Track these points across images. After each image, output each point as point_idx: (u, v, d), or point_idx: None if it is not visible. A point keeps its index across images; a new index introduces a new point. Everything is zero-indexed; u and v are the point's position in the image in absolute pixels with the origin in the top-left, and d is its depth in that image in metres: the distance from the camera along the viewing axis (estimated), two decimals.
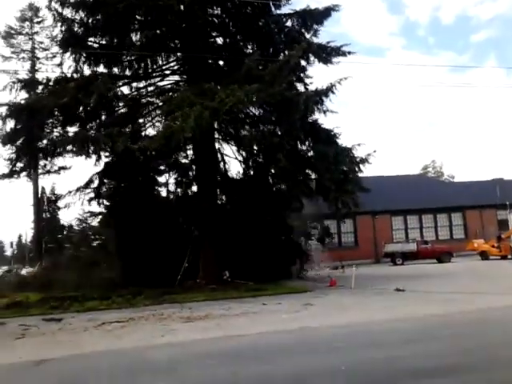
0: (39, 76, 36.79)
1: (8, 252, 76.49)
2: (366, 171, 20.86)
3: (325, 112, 20.17)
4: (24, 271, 32.08)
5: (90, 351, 9.23)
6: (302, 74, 21.56)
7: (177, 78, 22.99)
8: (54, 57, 37.79)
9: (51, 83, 20.03)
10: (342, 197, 20.19)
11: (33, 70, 37.02)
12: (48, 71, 38.15)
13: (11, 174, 24.19)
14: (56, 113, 19.00)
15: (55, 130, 20.14)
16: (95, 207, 29.79)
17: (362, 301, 14.64)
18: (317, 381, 6.00)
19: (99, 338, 10.83)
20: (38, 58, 38.02)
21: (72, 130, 19.80)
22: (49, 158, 22.45)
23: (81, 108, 18.47)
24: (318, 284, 20.01)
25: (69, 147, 19.51)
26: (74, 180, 66.70)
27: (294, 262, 23.50)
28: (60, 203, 56.64)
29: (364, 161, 20.15)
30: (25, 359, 8.71)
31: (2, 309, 16.68)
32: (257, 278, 20.40)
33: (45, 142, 20.06)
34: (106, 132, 17.66)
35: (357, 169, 20.40)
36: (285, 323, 11.04)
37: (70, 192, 22.51)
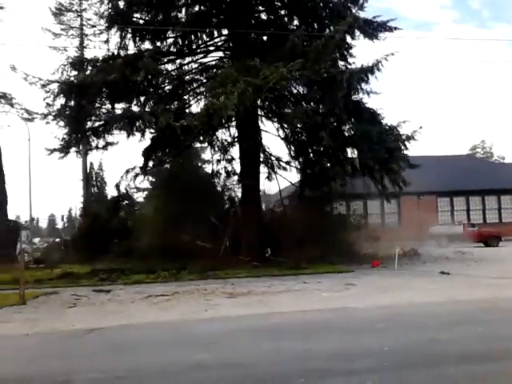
0: (87, 53, 37.81)
1: (59, 225, 79.54)
2: (412, 150, 20.50)
3: (368, 93, 19.84)
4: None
5: (138, 322, 9.59)
6: (345, 52, 21.12)
7: (221, 54, 22.99)
8: (101, 33, 38.43)
9: (99, 61, 20.39)
10: (386, 175, 19.85)
11: (81, 46, 37.77)
12: (95, 48, 38.85)
13: (61, 149, 25.01)
14: (104, 90, 19.38)
15: (103, 107, 20.58)
16: (140, 183, 30.57)
17: (405, 282, 14.47)
18: (361, 361, 6.03)
19: (146, 309, 11.22)
20: (86, 35, 38.69)
21: (119, 106, 20.22)
22: (97, 135, 22.96)
23: (128, 85, 18.69)
24: (360, 264, 19.89)
25: (116, 125, 19.97)
26: (119, 155, 68.50)
27: (334, 241, 23.36)
28: (107, 178, 58.26)
29: (410, 138, 19.73)
30: (77, 327, 9.16)
31: (56, 279, 17.53)
32: (298, 257, 20.48)
33: (93, 119, 20.55)
34: (150, 109, 17.90)
35: (402, 147, 19.99)
36: (326, 302, 11.10)
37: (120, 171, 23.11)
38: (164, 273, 17.22)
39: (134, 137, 21.54)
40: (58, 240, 28.41)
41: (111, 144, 33.57)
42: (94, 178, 48.86)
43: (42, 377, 5.95)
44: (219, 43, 22.51)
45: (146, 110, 18.19)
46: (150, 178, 37.17)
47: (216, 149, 22.73)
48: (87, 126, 21.66)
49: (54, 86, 21.09)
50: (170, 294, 13.26)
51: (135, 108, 20.40)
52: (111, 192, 56.63)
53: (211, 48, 22.60)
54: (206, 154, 26.26)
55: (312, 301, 11.40)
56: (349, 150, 19.88)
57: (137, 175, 25.81)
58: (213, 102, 15.85)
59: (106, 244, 25.37)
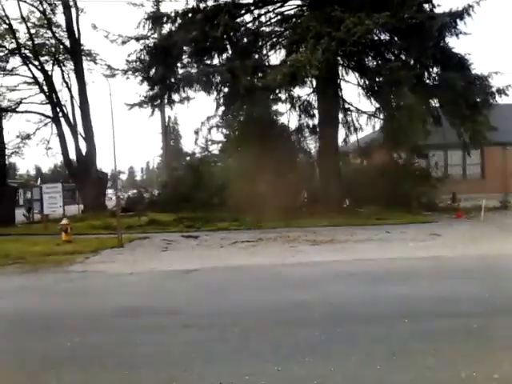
0: (163, 7, 38.13)
1: (138, 177, 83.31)
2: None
3: (457, 35, 18.58)
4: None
5: (231, 264, 10.09)
6: None
7: (298, 2, 22.38)
8: None
9: (179, 15, 20.52)
10: (471, 127, 18.90)
11: (157, 1, 38.08)
12: (172, 1, 38.96)
13: (140, 104, 25.82)
14: (185, 47, 19.56)
15: (184, 63, 20.88)
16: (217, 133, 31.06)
17: (492, 233, 14.06)
18: (463, 305, 6.07)
19: (235, 253, 11.76)
20: None
21: (200, 63, 20.39)
22: (177, 91, 23.38)
23: (207, 41, 18.75)
24: (443, 215, 19.42)
25: (195, 83, 20.25)
26: (192, 109, 69.64)
27: (415, 193, 22.83)
28: (181, 132, 59.49)
29: (501, 92, 18.50)
30: (174, 268, 9.80)
31: (145, 225, 18.62)
32: (376, 207, 20.34)
33: (174, 75, 20.93)
34: (229, 66, 17.86)
35: (491, 100, 18.83)
36: (413, 251, 11.06)
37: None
38: (248, 220, 17.73)
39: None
40: (142, 190, 29.75)
41: (188, 98, 34.44)
42: (172, 132, 50.16)
43: (157, 309, 6.51)
44: None
45: (225, 67, 18.03)
46: (224, 131, 37.87)
47: (296, 104, 22.34)
48: (168, 82, 22.09)
49: (137, 44, 21.60)
50: (254, 241, 13.76)
51: (215, 62, 20.51)
52: (186, 145, 58.37)
53: None
54: (280, 105, 26.03)
55: (398, 249, 11.39)
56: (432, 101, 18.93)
57: (214, 127, 26.24)
58: (297, 59, 15.51)
59: (187, 195, 26.31)
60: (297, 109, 22.79)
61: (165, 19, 21.72)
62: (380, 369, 4.18)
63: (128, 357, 4.72)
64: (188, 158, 35.46)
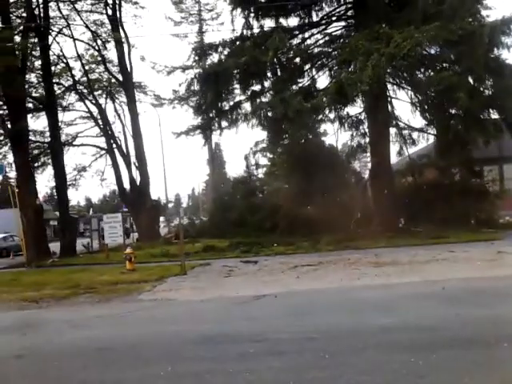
0: (206, 37, 39.23)
1: (184, 203, 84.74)
2: None
3: (509, 48, 18.19)
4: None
5: (298, 289, 10.04)
6: (479, 6, 19.53)
7: (343, 23, 22.59)
8: (219, 16, 39.74)
9: (227, 44, 21.08)
10: None
11: (200, 31, 39.33)
12: (214, 31, 40.13)
13: (187, 132, 26.40)
14: (235, 73, 20.01)
15: (236, 91, 21.36)
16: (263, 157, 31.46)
17: None
18: None
19: (298, 278, 11.66)
20: (205, 20, 40.24)
21: (251, 88, 20.80)
22: (226, 118, 23.78)
23: (258, 66, 19.11)
24: (506, 231, 18.70)
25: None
26: (236, 134, 70.60)
27: (473, 209, 22.15)
28: (226, 158, 60.32)
29: None
30: (242, 294, 9.83)
31: (201, 252, 18.83)
32: (433, 226, 19.80)
33: (224, 103, 21.41)
34: (280, 97, 18.08)
35: None
36: (484, 270, 10.67)
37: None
38: (304, 244, 17.68)
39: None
40: (193, 217, 30.32)
41: (233, 124, 35.05)
42: (216, 158, 51.05)
43: (238, 336, 6.52)
44: (341, 12, 22.07)
45: (278, 97, 18.23)
46: (268, 155, 38.15)
47: (345, 125, 22.31)
48: (217, 109, 22.57)
49: (183, 74, 22.24)
50: (315, 264, 13.64)
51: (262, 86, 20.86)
52: (231, 170, 59.09)
53: (333, 18, 22.24)
54: (328, 126, 26.13)
55: (467, 269, 11.04)
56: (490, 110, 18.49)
57: (262, 151, 26.48)
58: (347, 77, 15.58)
59: (238, 219, 26.46)
60: (346, 128, 22.64)
61: (213, 49, 22.34)
62: None
63: None
64: (236, 183, 35.74)
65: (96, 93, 27.87)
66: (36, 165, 25.80)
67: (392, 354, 5.25)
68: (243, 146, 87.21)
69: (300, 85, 21.27)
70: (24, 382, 5.40)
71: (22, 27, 21.29)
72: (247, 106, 22.02)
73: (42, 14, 21.85)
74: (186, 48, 30.55)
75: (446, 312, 6.96)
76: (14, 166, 22.80)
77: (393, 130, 22.22)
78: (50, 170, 27.63)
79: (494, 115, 19.46)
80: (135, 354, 6.02)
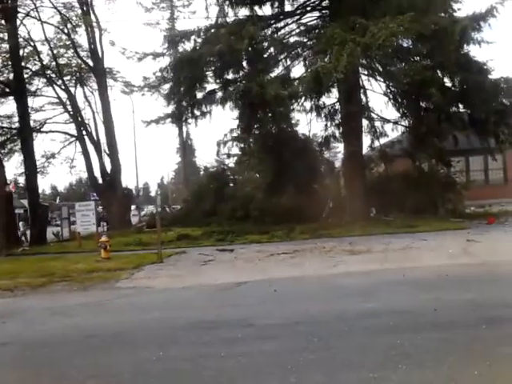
0: (178, 24, 38.74)
1: (152, 193, 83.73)
2: None
3: (479, 43, 18.68)
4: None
5: (278, 276, 10.13)
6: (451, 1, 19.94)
7: (317, 14, 22.66)
8: (190, 4, 39.29)
9: (202, 31, 20.89)
10: (500, 130, 18.90)
11: (172, 18, 38.84)
12: (185, 18, 39.64)
13: (157, 121, 26.05)
14: (211, 61, 19.84)
15: (210, 79, 21.18)
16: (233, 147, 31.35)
17: None
18: None
19: (276, 266, 11.79)
20: (176, 7, 39.69)
21: (225, 77, 20.69)
22: (199, 106, 23.55)
23: (233, 54, 18.98)
24: (473, 221, 19.31)
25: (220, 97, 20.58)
26: (206, 123, 70.01)
27: (441, 199, 22.77)
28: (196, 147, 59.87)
29: None
30: (222, 281, 9.88)
31: (175, 240, 18.73)
32: (403, 215, 20.26)
33: (200, 94, 21.27)
34: (259, 82, 18.05)
35: None
36: (457, 258, 10.98)
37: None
38: (278, 233, 17.81)
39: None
40: (164, 206, 30.07)
41: (206, 113, 34.81)
42: (192, 146, 50.68)
43: (225, 321, 6.58)
44: (316, 2, 22.12)
45: (256, 81, 18.19)
46: (240, 145, 38.07)
47: (322, 114, 22.41)
48: (191, 97, 22.36)
49: (159, 60, 21.99)
50: (291, 252, 13.78)
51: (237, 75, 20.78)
52: (201, 159, 58.76)
53: (308, 8, 22.29)
54: (301, 116, 26.23)
55: (441, 256, 11.35)
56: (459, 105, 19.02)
57: (225, 142, 26.44)
58: (323, 66, 15.70)
59: (210, 209, 26.45)
60: (323, 118, 22.80)
61: (188, 36, 22.07)
62: (477, 374, 4.22)
63: (219, 369, 4.77)
64: (208, 172, 35.59)
65: (65, 78, 27.20)
66: (2, 151, 25.03)
67: (378, 336, 5.43)
68: (213, 135, 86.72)
69: (275, 74, 21.28)
70: (18, 367, 5.33)
71: None
72: (221, 95, 21.90)
73: None
74: (156, 35, 30.29)
75: (426, 297, 7.18)
76: None
77: (366, 121, 22.50)
78: (16, 157, 26.99)
79: (461, 110, 20.04)
80: (123, 340, 6.03)
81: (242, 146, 36.29)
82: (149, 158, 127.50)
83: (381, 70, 20.37)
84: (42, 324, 7.21)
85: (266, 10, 22.50)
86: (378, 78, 21.23)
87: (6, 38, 20.93)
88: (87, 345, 5.94)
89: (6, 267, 13.61)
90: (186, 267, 12.55)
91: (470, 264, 10.00)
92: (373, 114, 22.30)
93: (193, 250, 15.83)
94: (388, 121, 22.28)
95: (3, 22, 20.92)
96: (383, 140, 24.22)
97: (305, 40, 21.05)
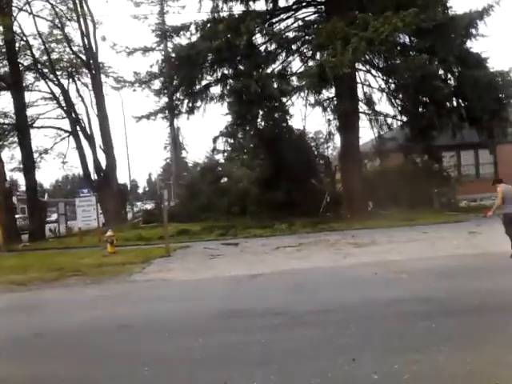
0: (167, 19, 38.48)
1: (140, 189, 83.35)
2: None
3: (475, 36, 19.01)
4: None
5: (290, 268, 10.28)
6: None
7: (312, 9, 22.78)
8: None
9: (199, 26, 20.87)
10: (496, 125, 19.26)
11: (161, 12, 38.60)
12: (175, 13, 39.38)
13: (148, 116, 25.89)
14: (208, 56, 19.86)
15: (208, 73, 21.16)
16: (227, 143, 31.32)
17: None
18: None
19: (285, 259, 11.93)
20: (166, 1, 39.44)
21: (221, 71, 20.74)
22: (194, 101, 23.47)
23: (231, 50, 19.02)
24: (468, 214, 19.67)
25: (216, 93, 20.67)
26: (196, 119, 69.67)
27: (436, 193, 23.13)
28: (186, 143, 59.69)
29: None
30: (235, 274, 9.99)
31: (176, 235, 18.74)
32: (399, 209, 20.55)
33: (198, 86, 21.24)
34: (257, 77, 18.10)
35: None
36: (463, 248, 11.23)
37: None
38: (281, 226, 17.95)
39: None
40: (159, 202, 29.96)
41: (199, 107, 34.74)
42: (182, 142, 50.52)
43: (256, 311, 6.72)
44: None
45: (255, 77, 18.23)
46: (231, 140, 38.04)
47: (328, 109, 22.48)
48: (187, 92, 22.35)
49: (148, 55, 22.01)
50: (296, 245, 13.95)
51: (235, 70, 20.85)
52: (190, 156, 58.51)
53: (303, 4, 22.40)
54: (295, 110, 26.41)
55: (447, 248, 11.57)
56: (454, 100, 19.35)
57: (216, 138, 26.47)
58: (327, 60, 15.80)
59: (206, 204, 26.52)
60: (328, 112, 22.90)
61: (184, 31, 22.03)
62: None
63: (265, 354, 4.91)
64: (200, 167, 35.52)
65: (58, 73, 26.91)
66: None
67: (412, 321, 5.61)
68: (201, 131, 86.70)
69: (271, 69, 21.35)
70: (65, 355, 5.39)
71: None
72: (217, 89, 21.97)
73: None
74: (145, 30, 30.03)
75: (448, 284, 7.41)
76: None
77: (362, 116, 22.74)
78: (6, 153, 26.61)
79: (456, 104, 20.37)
80: (159, 329, 6.12)
81: (236, 141, 36.34)
82: (136, 155, 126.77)
83: (380, 64, 20.54)
84: (70, 316, 7.27)
85: (259, 6, 22.67)
86: (374, 72, 21.44)
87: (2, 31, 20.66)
88: (123, 334, 6.04)
89: (12, 262, 13.56)
90: (195, 261, 12.63)
91: (478, 254, 10.24)
92: (370, 109, 22.49)
93: (197, 245, 15.90)
94: (385, 115, 22.51)
95: None
96: (378, 135, 24.50)
97: (301, 35, 21.12)
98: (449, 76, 19.81)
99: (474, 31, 18.54)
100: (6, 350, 5.65)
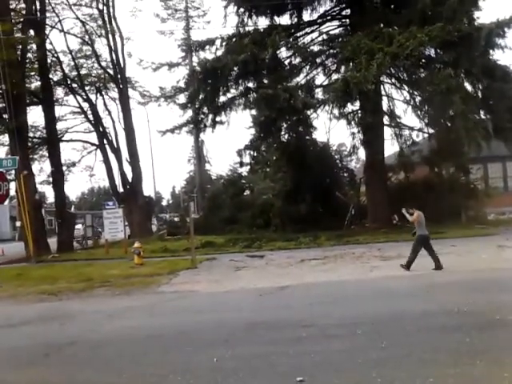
0: (193, 35, 39.12)
1: (164, 202, 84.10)
2: None
3: (503, 48, 18.79)
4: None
5: (316, 281, 10.26)
6: (474, 8, 20.10)
7: (337, 23, 22.93)
8: (205, 14, 39.76)
9: (225, 40, 21.21)
10: None
11: (187, 28, 39.26)
12: (200, 28, 40.07)
13: (173, 130, 26.18)
14: (234, 70, 20.14)
15: (233, 86, 21.44)
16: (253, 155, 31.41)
17: None
18: None
19: (310, 271, 11.90)
20: (191, 17, 40.15)
21: (246, 84, 20.99)
22: (220, 114, 23.71)
23: (256, 63, 19.25)
24: (498, 227, 19.32)
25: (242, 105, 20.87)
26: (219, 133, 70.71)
27: (463, 206, 22.78)
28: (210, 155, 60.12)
29: None
30: (261, 286, 10.00)
31: (200, 248, 18.85)
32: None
33: (223, 99, 21.54)
34: (285, 88, 18.26)
35: None
36: (491, 263, 11.05)
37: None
38: (305, 239, 17.93)
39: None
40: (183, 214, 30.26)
41: (224, 122, 35.11)
42: (205, 155, 50.93)
43: (285, 322, 6.73)
44: (336, 11, 22.41)
45: (282, 89, 18.39)
46: (254, 153, 38.16)
47: (352, 122, 22.47)
48: (213, 105, 22.62)
49: (174, 70, 22.37)
50: (321, 258, 13.92)
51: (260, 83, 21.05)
52: (214, 169, 58.92)
53: (328, 17, 22.59)
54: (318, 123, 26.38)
55: (475, 261, 11.45)
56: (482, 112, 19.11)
57: (240, 151, 26.57)
58: (352, 75, 15.87)
59: (230, 217, 26.64)
60: (352, 126, 22.88)
61: (209, 45, 22.38)
62: None
63: (294, 366, 4.89)
64: (224, 180, 35.69)
65: (86, 88, 27.62)
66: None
67: (445, 334, 5.56)
68: (224, 144, 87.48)
69: (295, 82, 21.49)
70: (98, 363, 5.49)
71: (20, 21, 21.03)
72: (243, 101, 22.16)
73: (38, 7, 21.60)
74: (169, 45, 30.63)
75: (482, 297, 7.30)
76: None
77: (388, 129, 22.66)
78: (36, 165, 27.27)
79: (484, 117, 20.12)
80: (188, 340, 6.17)
81: (260, 154, 36.36)
82: (160, 168, 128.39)
83: (405, 78, 20.49)
84: (101, 325, 7.39)
85: (284, 20, 22.88)
86: (399, 85, 21.38)
87: (35, 48, 21.35)
88: (153, 344, 6.10)
89: (43, 273, 13.85)
90: (221, 272, 12.69)
91: (509, 268, 10.05)
92: (395, 122, 22.40)
93: (222, 257, 15.99)
94: (412, 128, 22.38)
95: (32, 33, 21.32)
96: (402, 147, 24.33)
97: (325, 48, 21.27)
98: (477, 86, 19.61)
99: (501, 42, 18.32)
100: (43, 358, 5.78)
